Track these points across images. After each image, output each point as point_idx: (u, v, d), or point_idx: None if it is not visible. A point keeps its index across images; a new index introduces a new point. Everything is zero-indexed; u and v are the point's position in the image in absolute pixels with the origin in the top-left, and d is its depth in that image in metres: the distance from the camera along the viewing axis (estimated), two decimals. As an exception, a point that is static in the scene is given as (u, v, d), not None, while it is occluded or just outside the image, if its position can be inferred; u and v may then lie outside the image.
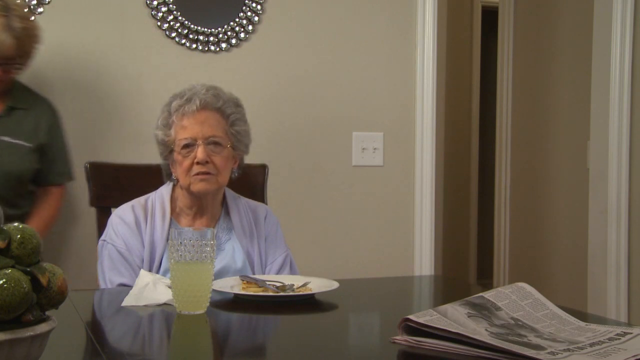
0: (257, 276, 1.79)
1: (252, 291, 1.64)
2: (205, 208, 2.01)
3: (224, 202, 2.07)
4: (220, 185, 1.98)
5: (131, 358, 1.24)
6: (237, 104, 2.03)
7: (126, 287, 1.77)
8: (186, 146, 1.93)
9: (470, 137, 5.62)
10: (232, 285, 1.68)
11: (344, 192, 2.87)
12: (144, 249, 1.94)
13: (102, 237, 1.99)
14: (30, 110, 2.32)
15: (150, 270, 1.91)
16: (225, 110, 1.99)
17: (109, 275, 1.92)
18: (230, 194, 2.09)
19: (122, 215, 1.98)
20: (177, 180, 1.99)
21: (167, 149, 1.98)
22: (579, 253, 3.41)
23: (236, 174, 2.06)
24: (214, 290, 1.52)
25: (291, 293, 1.64)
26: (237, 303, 1.62)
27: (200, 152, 1.91)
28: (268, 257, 2.04)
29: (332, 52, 2.86)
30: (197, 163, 1.92)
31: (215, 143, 1.95)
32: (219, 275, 1.88)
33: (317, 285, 1.68)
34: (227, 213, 2.06)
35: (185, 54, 2.67)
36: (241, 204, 2.08)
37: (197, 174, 1.92)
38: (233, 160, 2.02)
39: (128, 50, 2.62)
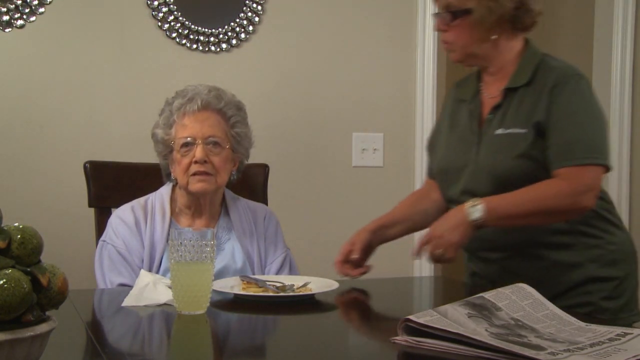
0: (257, 276, 1.79)
1: (252, 291, 1.64)
2: (204, 208, 2.01)
3: (224, 203, 2.07)
4: (218, 185, 1.98)
5: (131, 358, 1.24)
6: (239, 107, 2.04)
7: (126, 287, 1.77)
8: (185, 145, 1.94)
9: (471, 137, 5.61)
10: (232, 286, 1.68)
11: (344, 192, 2.86)
12: (144, 250, 1.94)
13: (102, 238, 1.99)
14: None
15: (150, 270, 1.91)
16: (227, 112, 1.99)
17: (109, 276, 1.92)
18: (229, 194, 2.09)
19: (122, 215, 1.98)
20: (176, 180, 1.99)
21: (167, 147, 1.99)
22: (579, 254, 3.40)
23: (235, 177, 2.06)
24: (214, 290, 1.52)
25: (291, 293, 1.64)
26: (237, 303, 1.62)
27: (199, 151, 1.92)
28: (268, 257, 2.05)
29: (332, 52, 2.86)
30: (196, 162, 1.92)
31: (215, 143, 1.95)
32: (219, 275, 1.88)
33: (317, 285, 1.68)
34: (227, 213, 2.06)
35: (186, 54, 2.67)
36: (241, 205, 2.08)
37: (195, 173, 1.93)
38: (232, 162, 2.02)
39: (128, 50, 2.62)
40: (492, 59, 1.77)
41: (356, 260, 1.80)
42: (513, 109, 1.72)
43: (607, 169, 1.67)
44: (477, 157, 1.74)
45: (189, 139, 1.94)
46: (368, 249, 1.84)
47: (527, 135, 1.68)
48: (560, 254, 1.72)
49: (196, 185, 1.94)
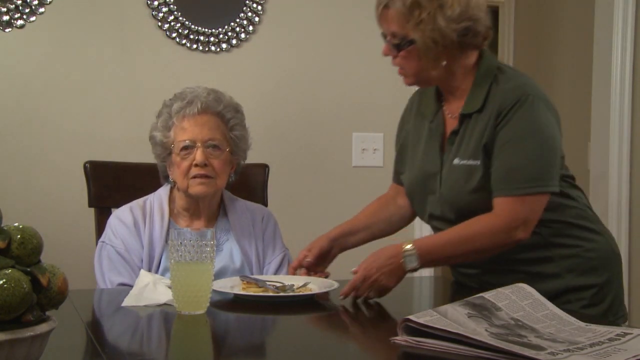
0: (257, 276, 1.79)
1: (252, 291, 1.65)
2: (202, 210, 2.01)
3: (222, 204, 2.07)
4: (217, 188, 1.98)
5: (131, 358, 1.24)
6: (237, 110, 2.04)
7: (126, 287, 1.77)
8: (185, 148, 1.94)
9: (471, 137, 5.61)
10: (232, 286, 1.68)
11: (344, 192, 2.86)
12: (143, 250, 1.94)
13: (101, 239, 1.99)
14: None
15: (149, 270, 1.91)
16: (225, 115, 2.00)
17: (108, 276, 1.93)
18: (227, 195, 2.09)
19: (121, 216, 1.99)
20: (175, 182, 2.00)
21: (165, 150, 1.99)
22: (579, 254, 3.40)
23: (232, 179, 2.07)
24: (213, 290, 1.52)
25: (291, 293, 1.64)
26: (237, 303, 1.62)
27: (199, 155, 1.92)
28: (266, 257, 2.05)
29: (332, 52, 2.86)
30: (196, 165, 1.92)
31: (214, 146, 1.95)
32: (217, 276, 1.87)
33: (317, 285, 1.68)
34: (225, 214, 2.06)
35: (186, 54, 2.67)
36: (239, 206, 2.09)
37: (195, 176, 1.93)
38: (230, 164, 2.02)
39: (128, 50, 2.62)
40: (447, 81, 1.72)
41: (308, 264, 1.79)
42: (467, 137, 1.69)
43: (550, 193, 1.63)
44: (440, 187, 1.72)
45: (188, 142, 1.94)
46: (325, 256, 1.83)
47: (479, 167, 1.66)
48: (537, 267, 1.69)
49: (196, 188, 1.94)
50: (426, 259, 1.61)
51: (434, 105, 1.77)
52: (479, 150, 1.66)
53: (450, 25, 1.61)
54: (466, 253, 1.65)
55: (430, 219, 1.78)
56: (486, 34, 1.68)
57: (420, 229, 2.92)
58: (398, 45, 1.66)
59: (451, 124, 1.74)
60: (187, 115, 1.95)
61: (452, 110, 1.75)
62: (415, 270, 1.61)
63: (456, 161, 1.69)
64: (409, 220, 1.94)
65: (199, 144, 1.93)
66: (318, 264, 1.82)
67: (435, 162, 1.74)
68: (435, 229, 1.78)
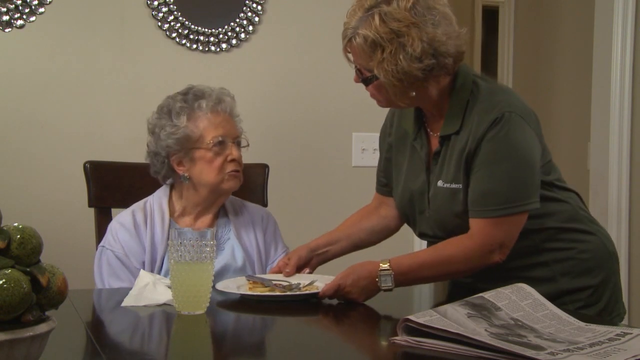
0: (263, 276, 1.81)
1: (259, 291, 1.65)
2: (215, 206, 2.04)
3: (223, 203, 2.08)
4: (242, 182, 2.03)
5: (131, 358, 1.24)
6: None
7: (126, 288, 1.77)
8: (219, 143, 1.96)
9: (471, 137, 5.61)
10: (238, 286, 1.69)
11: (343, 192, 2.86)
12: (145, 252, 1.95)
13: (101, 244, 1.99)
14: None
15: (151, 271, 1.91)
16: (236, 114, 2.06)
17: (108, 281, 1.93)
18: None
19: (121, 220, 1.99)
20: (188, 179, 1.98)
21: (184, 145, 1.97)
22: (579, 254, 3.40)
23: None
24: (219, 291, 1.53)
25: (298, 292, 1.64)
26: (242, 303, 1.62)
27: (235, 150, 1.98)
28: (269, 256, 2.06)
29: (332, 52, 2.84)
30: (232, 160, 1.97)
31: (239, 142, 2.02)
32: (219, 274, 1.89)
33: (324, 283, 1.67)
34: (226, 214, 2.07)
35: (186, 54, 2.67)
36: (238, 205, 2.10)
37: (232, 171, 1.97)
38: None
39: (128, 50, 2.62)
40: (421, 104, 1.70)
41: (287, 275, 1.78)
42: (448, 159, 1.67)
43: (528, 210, 1.61)
44: (429, 208, 1.72)
45: (223, 138, 1.97)
46: (304, 266, 1.83)
47: (462, 190, 1.64)
48: (530, 273, 1.68)
49: (230, 183, 1.98)
50: (401, 279, 1.61)
51: (415, 123, 1.75)
52: (460, 173, 1.64)
53: (412, 65, 1.57)
54: (441, 275, 1.69)
55: (422, 236, 1.79)
56: (457, 59, 1.64)
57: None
58: (365, 80, 1.65)
59: (434, 142, 1.73)
60: (220, 112, 2.00)
61: (434, 129, 1.73)
62: (389, 290, 1.61)
63: (440, 183, 1.69)
64: (394, 230, 1.94)
65: (230, 140, 1.98)
66: (298, 272, 1.82)
67: (422, 181, 1.73)
68: (430, 245, 1.78)
